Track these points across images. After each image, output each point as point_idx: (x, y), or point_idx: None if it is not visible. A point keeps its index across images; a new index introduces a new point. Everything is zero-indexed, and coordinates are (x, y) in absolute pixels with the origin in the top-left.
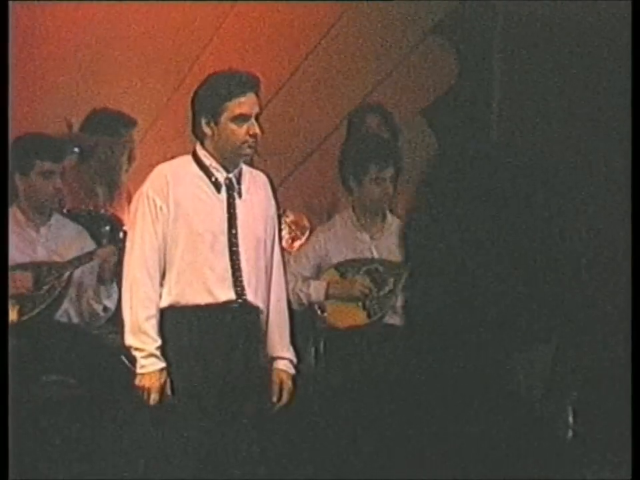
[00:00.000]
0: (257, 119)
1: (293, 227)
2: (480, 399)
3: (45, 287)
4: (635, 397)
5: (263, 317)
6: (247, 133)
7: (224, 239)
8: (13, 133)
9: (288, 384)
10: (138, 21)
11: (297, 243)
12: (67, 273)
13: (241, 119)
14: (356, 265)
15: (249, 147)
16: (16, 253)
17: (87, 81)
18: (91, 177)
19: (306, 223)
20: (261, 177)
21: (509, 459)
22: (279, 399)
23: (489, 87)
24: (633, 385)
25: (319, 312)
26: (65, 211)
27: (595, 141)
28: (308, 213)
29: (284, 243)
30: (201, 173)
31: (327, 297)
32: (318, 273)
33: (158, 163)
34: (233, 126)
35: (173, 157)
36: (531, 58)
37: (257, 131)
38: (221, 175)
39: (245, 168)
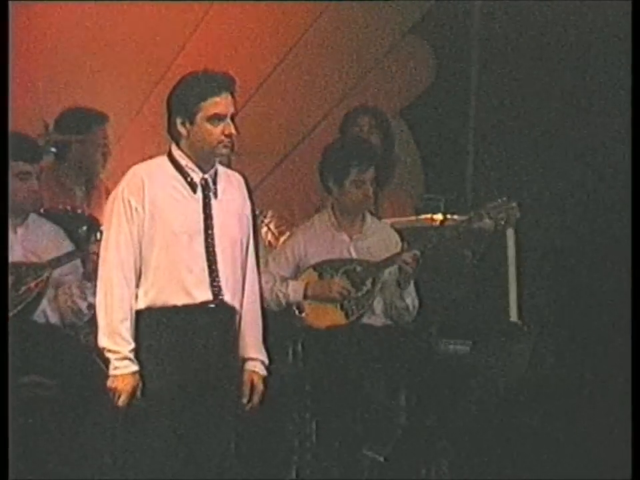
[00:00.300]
0: (232, 119)
1: (272, 228)
2: (465, 397)
3: (23, 288)
4: (634, 397)
5: (238, 317)
6: (222, 132)
7: (200, 239)
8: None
9: (259, 385)
10: (117, 21)
11: (282, 238)
12: (46, 274)
13: (216, 118)
14: (334, 265)
15: (225, 146)
16: None
17: (65, 81)
18: (67, 176)
19: (283, 223)
20: (237, 177)
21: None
22: (249, 400)
23: (467, 85)
24: (633, 385)
25: (297, 312)
26: (42, 211)
27: (575, 135)
28: (287, 212)
29: (270, 238)
30: (176, 174)
31: (305, 297)
32: (296, 273)
33: (135, 162)
34: (208, 126)
35: (150, 157)
36: (508, 57)
37: (232, 130)
38: (196, 175)
39: (220, 168)
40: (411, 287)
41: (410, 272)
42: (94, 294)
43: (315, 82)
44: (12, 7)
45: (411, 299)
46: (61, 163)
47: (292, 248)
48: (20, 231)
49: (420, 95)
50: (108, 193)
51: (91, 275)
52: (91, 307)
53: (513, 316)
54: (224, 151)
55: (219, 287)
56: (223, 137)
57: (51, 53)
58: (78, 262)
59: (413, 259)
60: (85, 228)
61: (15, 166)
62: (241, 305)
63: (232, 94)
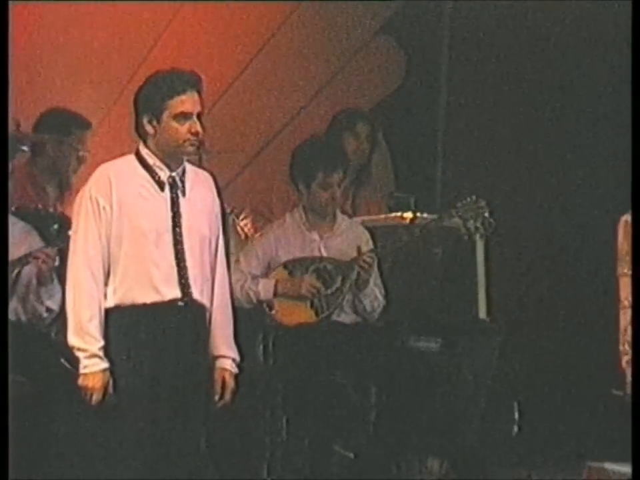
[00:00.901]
0: (199, 117)
1: (242, 226)
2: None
3: None
4: (635, 397)
5: (208, 315)
6: (189, 131)
7: (168, 237)
8: None
9: (230, 383)
10: (87, 22)
11: (246, 241)
12: (15, 272)
13: (183, 117)
14: (305, 263)
15: (191, 144)
16: None
17: (38, 80)
18: (40, 175)
19: (253, 222)
20: (205, 176)
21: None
22: (221, 397)
23: (437, 85)
24: (633, 385)
25: (267, 310)
26: (13, 209)
27: (544, 134)
28: (257, 211)
29: (232, 243)
30: (144, 172)
31: (276, 294)
32: (267, 271)
33: (106, 162)
34: (174, 124)
35: (120, 156)
36: (477, 56)
37: (199, 129)
38: (164, 174)
39: (188, 167)
40: (370, 288)
41: (365, 275)
42: (49, 298)
43: (286, 81)
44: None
45: (369, 300)
46: (34, 161)
47: (263, 246)
48: None
49: (390, 94)
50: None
51: (42, 280)
52: (50, 310)
53: (482, 313)
54: (190, 149)
55: (188, 285)
56: (189, 135)
57: (27, 52)
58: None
59: (369, 262)
60: (55, 226)
61: None
62: (211, 303)
63: (199, 92)
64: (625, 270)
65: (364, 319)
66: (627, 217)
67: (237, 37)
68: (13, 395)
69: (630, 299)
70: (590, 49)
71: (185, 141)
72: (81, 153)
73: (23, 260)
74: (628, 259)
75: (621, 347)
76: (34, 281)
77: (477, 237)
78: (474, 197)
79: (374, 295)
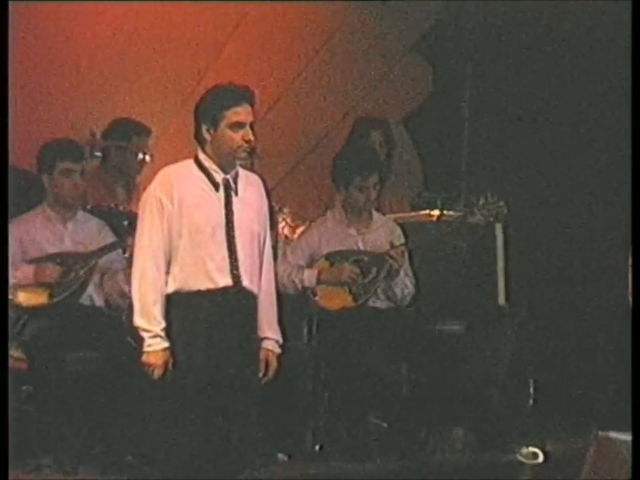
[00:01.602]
0: (251, 126)
1: (289, 222)
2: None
3: (72, 275)
4: (635, 398)
5: (256, 301)
6: (242, 138)
7: (222, 232)
8: (40, 139)
9: (273, 362)
10: (154, 39)
11: (293, 235)
12: (92, 262)
13: (237, 126)
14: (344, 255)
15: (244, 151)
16: (46, 245)
17: (108, 91)
18: (109, 177)
19: (300, 218)
20: (255, 178)
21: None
22: (265, 375)
23: (462, 96)
24: (633, 385)
25: (311, 296)
26: (88, 207)
27: (558, 140)
28: (302, 209)
29: (286, 232)
30: (201, 174)
31: (319, 282)
32: (311, 262)
33: (168, 165)
34: (229, 132)
35: (180, 160)
36: (498, 70)
37: (251, 137)
38: (219, 176)
39: (241, 170)
40: (401, 278)
41: (396, 266)
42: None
43: (328, 93)
44: (12, 7)
45: (400, 288)
46: (105, 166)
47: (307, 240)
48: (69, 225)
49: (420, 105)
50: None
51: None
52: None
53: (501, 300)
54: (243, 154)
55: (239, 274)
56: (242, 142)
57: (97, 62)
58: (120, 252)
59: (399, 254)
60: (125, 223)
61: (60, 165)
62: (259, 290)
63: (251, 105)
64: None
65: (396, 304)
66: None
67: (285, 53)
68: (85, 370)
69: None
70: (606, 56)
71: (238, 147)
72: (141, 157)
73: (106, 250)
74: None
75: None
76: (123, 265)
77: (496, 228)
78: (494, 196)
79: (404, 284)
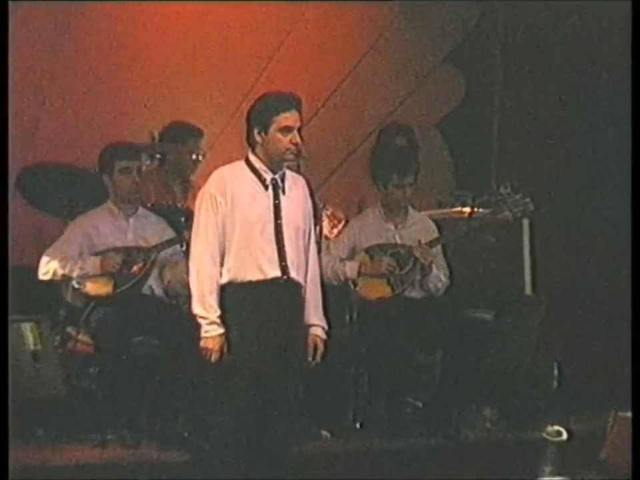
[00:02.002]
0: (298, 131)
1: (332, 218)
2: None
3: (134, 267)
4: (635, 398)
5: (302, 291)
6: (290, 141)
7: (271, 227)
8: (101, 143)
9: (320, 346)
10: (208, 46)
11: (335, 230)
12: (153, 256)
13: (286, 130)
14: (382, 248)
15: (291, 153)
16: (111, 238)
17: (167, 96)
18: (167, 177)
19: (341, 215)
20: (301, 179)
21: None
22: (313, 358)
23: (491, 102)
24: (633, 386)
25: (352, 287)
26: (149, 205)
27: (581, 142)
28: (344, 206)
29: (325, 231)
30: (252, 175)
31: (359, 274)
32: (352, 255)
33: (222, 166)
34: (279, 135)
35: (232, 161)
36: (526, 79)
37: (298, 140)
38: (268, 176)
39: (287, 171)
40: (434, 270)
41: (423, 261)
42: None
43: (369, 100)
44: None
45: (433, 282)
46: (163, 166)
47: (348, 235)
48: (131, 220)
49: (453, 110)
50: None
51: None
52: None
53: (528, 290)
54: (291, 156)
55: (286, 266)
56: (290, 145)
57: (155, 68)
58: (178, 246)
59: (426, 251)
60: (183, 219)
61: (118, 164)
62: (305, 281)
63: (299, 111)
64: None
65: (430, 294)
66: None
67: (331, 64)
68: (146, 353)
69: None
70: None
71: (287, 150)
72: (195, 157)
73: (165, 245)
74: None
75: None
76: (182, 258)
77: (524, 223)
78: (522, 194)
79: (438, 277)
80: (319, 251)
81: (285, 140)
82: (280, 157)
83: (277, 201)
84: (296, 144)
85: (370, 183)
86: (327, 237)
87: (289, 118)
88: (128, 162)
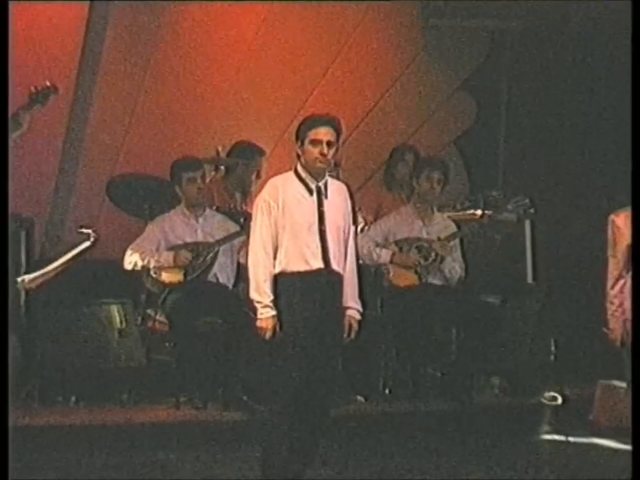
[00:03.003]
0: (328, 144)
1: (362, 219)
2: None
3: (201, 259)
4: (635, 399)
5: (342, 279)
6: (320, 152)
7: (315, 227)
8: (175, 155)
9: (354, 326)
10: (256, 70)
11: (366, 229)
12: (217, 249)
13: (316, 142)
14: (409, 242)
15: (320, 162)
16: (184, 236)
17: (229, 116)
18: (232, 186)
19: (369, 218)
20: (342, 186)
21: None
22: (349, 335)
23: (498, 123)
24: (633, 385)
25: (386, 274)
26: (214, 208)
27: (579, 151)
28: (376, 209)
29: (362, 227)
30: (299, 183)
31: (391, 262)
32: (385, 242)
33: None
34: (310, 147)
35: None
36: (528, 104)
37: (326, 152)
38: (312, 184)
39: (329, 179)
40: (449, 263)
41: (443, 254)
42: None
43: (397, 119)
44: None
45: (448, 272)
46: (228, 177)
47: (386, 223)
48: (200, 220)
49: (467, 129)
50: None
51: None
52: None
53: (529, 279)
54: (320, 165)
55: (329, 259)
56: (319, 155)
57: (219, 92)
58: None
59: (444, 246)
60: (242, 220)
61: (185, 175)
62: (344, 271)
63: (333, 127)
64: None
65: (446, 280)
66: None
67: (366, 89)
68: (212, 330)
69: (614, 272)
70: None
71: (315, 159)
72: (256, 172)
73: (221, 242)
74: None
75: (607, 304)
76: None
77: (526, 222)
78: (524, 199)
79: (454, 269)
80: (355, 247)
81: (315, 151)
82: (311, 166)
83: (320, 205)
84: (324, 155)
85: (385, 193)
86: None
87: (319, 132)
88: (193, 173)
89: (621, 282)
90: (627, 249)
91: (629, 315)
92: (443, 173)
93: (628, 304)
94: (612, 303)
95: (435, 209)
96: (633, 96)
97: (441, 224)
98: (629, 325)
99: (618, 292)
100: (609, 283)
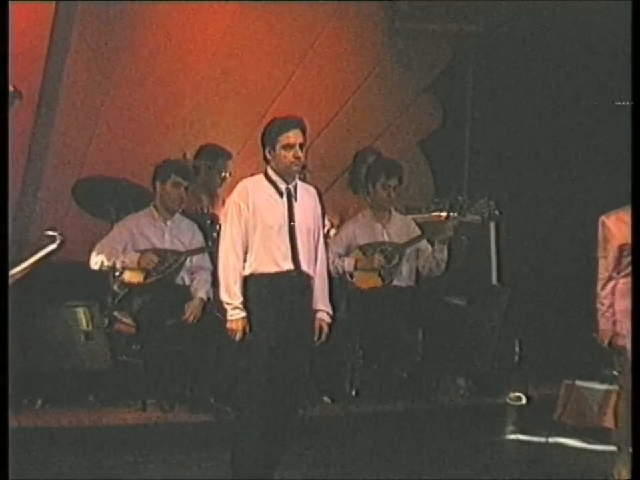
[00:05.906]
0: (300, 147)
1: (328, 222)
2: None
3: (165, 264)
4: (635, 399)
5: (312, 281)
6: (293, 156)
7: (285, 229)
8: (141, 159)
9: (325, 328)
10: (237, 76)
11: (332, 232)
12: (183, 259)
13: (289, 147)
14: (373, 246)
15: (296, 165)
16: (151, 237)
17: (195, 119)
18: (198, 189)
19: (335, 220)
20: (312, 189)
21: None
22: (319, 338)
23: (463, 123)
24: (633, 386)
25: (349, 278)
26: (181, 210)
27: (545, 154)
28: (334, 213)
29: (327, 228)
30: (269, 185)
31: (355, 268)
32: (348, 251)
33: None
34: (283, 152)
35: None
36: (492, 107)
37: (300, 155)
38: (282, 186)
39: (299, 182)
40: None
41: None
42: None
43: (362, 123)
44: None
45: (432, 262)
46: (194, 179)
47: (346, 234)
48: (169, 223)
49: (432, 131)
50: (223, 200)
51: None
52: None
53: (494, 280)
54: (295, 168)
55: (298, 261)
56: (294, 159)
57: (188, 96)
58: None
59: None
60: (208, 222)
61: (174, 177)
62: (314, 273)
63: (302, 130)
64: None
65: (416, 282)
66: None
67: (331, 92)
68: (179, 332)
69: (604, 273)
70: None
71: (291, 163)
72: (223, 174)
73: (189, 253)
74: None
75: (598, 305)
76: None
77: (490, 225)
78: (489, 201)
79: (435, 261)
80: (325, 248)
81: (289, 155)
82: (286, 170)
83: (290, 207)
84: (298, 158)
85: (351, 196)
86: (326, 237)
87: (290, 136)
88: (182, 179)
89: (611, 283)
90: (618, 250)
91: (618, 316)
92: (398, 179)
93: (618, 305)
94: (602, 304)
95: (393, 210)
96: (633, 94)
97: (399, 224)
98: (618, 327)
99: (608, 293)
100: (599, 284)
